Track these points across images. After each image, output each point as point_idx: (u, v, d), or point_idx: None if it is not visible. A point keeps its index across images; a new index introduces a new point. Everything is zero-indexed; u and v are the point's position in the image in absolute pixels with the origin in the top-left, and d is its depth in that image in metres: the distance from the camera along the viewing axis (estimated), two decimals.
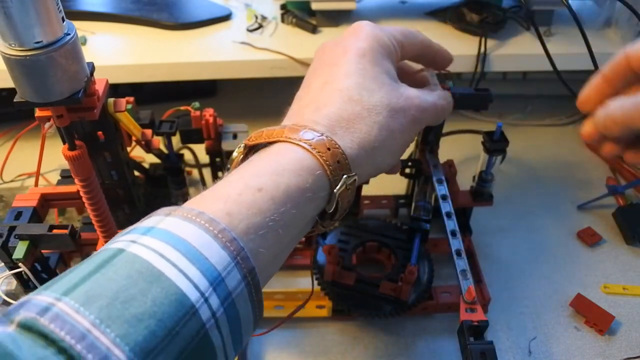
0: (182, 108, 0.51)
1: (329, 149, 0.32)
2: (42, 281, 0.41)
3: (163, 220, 0.27)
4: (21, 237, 0.39)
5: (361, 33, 0.38)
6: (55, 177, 0.52)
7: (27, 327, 0.22)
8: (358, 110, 0.34)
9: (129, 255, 0.25)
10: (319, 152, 0.31)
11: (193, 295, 0.24)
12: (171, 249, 0.25)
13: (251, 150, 0.34)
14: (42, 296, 0.23)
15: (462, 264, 0.41)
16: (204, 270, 0.25)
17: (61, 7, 0.29)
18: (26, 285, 0.42)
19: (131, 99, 0.45)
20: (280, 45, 0.62)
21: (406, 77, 0.42)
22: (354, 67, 0.36)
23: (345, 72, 0.36)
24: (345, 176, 0.32)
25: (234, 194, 0.29)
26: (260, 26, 0.66)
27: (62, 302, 0.22)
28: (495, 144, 0.48)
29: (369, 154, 0.34)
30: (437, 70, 0.44)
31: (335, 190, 0.32)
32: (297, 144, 0.32)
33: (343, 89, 0.35)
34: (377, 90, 0.36)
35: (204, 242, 0.26)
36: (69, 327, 0.22)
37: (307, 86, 0.38)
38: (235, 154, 0.35)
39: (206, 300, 0.25)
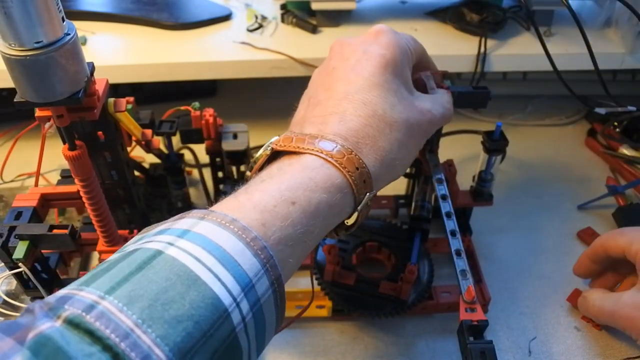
0: (182, 108, 0.51)
1: (357, 168, 0.33)
2: (42, 281, 0.41)
3: (198, 224, 0.28)
4: (21, 237, 0.39)
5: (384, 39, 0.38)
6: (55, 177, 0.52)
7: (74, 324, 0.22)
8: (382, 127, 0.35)
9: (168, 258, 0.26)
10: (348, 172, 0.32)
11: (227, 299, 0.25)
12: (207, 253, 0.26)
13: (277, 154, 0.35)
14: (86, 293, 0.24)
15: (462, 263, 0.41)
16: (237, 276, 0.26)
17: (61, 7, 0.29)
18: (26, 285, 0.42)
19: (131, 99, 0.45)
20: (280, 45, 0.62)
21: None
22: (377, 78, 0.36)
23: (369, 83, 0.36)
24: (368, 194, 0.34)
25: (270, 205, 0.30)
26: (260, 26, 0.66)
27: (107, 301, 0.23)
28: (495, 143, 0.48)
29: (389, 170, 0.36)
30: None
31: (359, 208, 0.34)
32: (329, 162, 0.32)
33: (368, 102, 0.35)
34: (398, 104, 0.36)
35: (238, 249, 0.27)
36: (114, 325, 0.22)
37: (328, 89, 0.37)
38: (260, 154, 0.35)
39: (237, 305, 0.26)
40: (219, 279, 0.25)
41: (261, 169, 0.35)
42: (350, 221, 0.34)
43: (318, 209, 0.31)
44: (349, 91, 0.36)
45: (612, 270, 0.48)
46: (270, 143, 0.35)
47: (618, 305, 0.43)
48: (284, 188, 0.31)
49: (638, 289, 0.42)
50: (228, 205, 0.30)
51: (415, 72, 0.43)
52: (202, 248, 0.26)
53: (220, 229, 0.27)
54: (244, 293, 0.26)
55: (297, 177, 0.32)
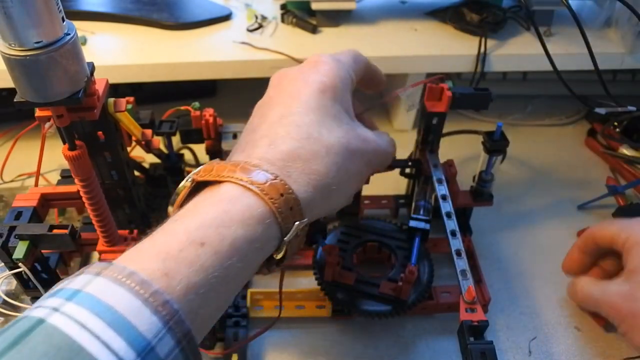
0: (182, 108, 0.51)
1: (282, 194, 0.30)
2: (42, 281, 0.41)
3: (91, 281, 0.25)
4: (21, 237, 0.39)
5: (323, 67, 0.37)
6: (55, 177, 0.52)
7: None
8: (317, 149, 0.32)
9: (49, 328, 0.23)
10: (271, 199, 0.29)
11: None
12: (95, 318, 0.23)
13: (200, 185, 0.32)
14: None
15: (462, 264, 0.41)
16: (132, 340, 0.23)
17: (61, 7, 0.29)
18: (26, 285, 0.42)
19: (131, 99, 0.45)
20: (280, 45, 0.62)
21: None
22: (314, 103, 0.34)
23: (305, 107, 0.34)
24: (297, 223, 0.30)
25: (175, 250, 0.27)
26: (260, 26, 0.66)
27: None
28: (495, 144, 0.48)
29: (324, 196, 0.33)
30: (372, 91, 0.43)
31: (285, 239, 0.30)
32: (249, 189, 0.29)
33: (302, 124, 0.33)
34: (337, 128, 0.34)
35: (133, 307, 0.24)
36: None
37: (262, 115, 0.35)
38: (181, 186, 0.32)
39: None
40: (108, 347, 0.22)
41: (184, 203, 0.32)
42: (278, 255, 0.31)
43: (233, 247, 0.28)
44: (284, 114, 0.34)
45: (601, 263, 0.48)
46: (193, 173, 0.32)
47: (605, 293, 0.43)
48: (194, 227, 0.28)
49: (625, 278, 0.42)
50: (130, 255, 0.27)
51: (362, 84, 0.42)
52: (90, 312, 0.23)
53: (116, 285, 0.24)
54: (141, 358, 0.23)
55: (210, 212, 0.29)
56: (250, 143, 0.33)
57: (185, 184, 0.32)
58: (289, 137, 0.32)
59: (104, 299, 0.24)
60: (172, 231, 0.28)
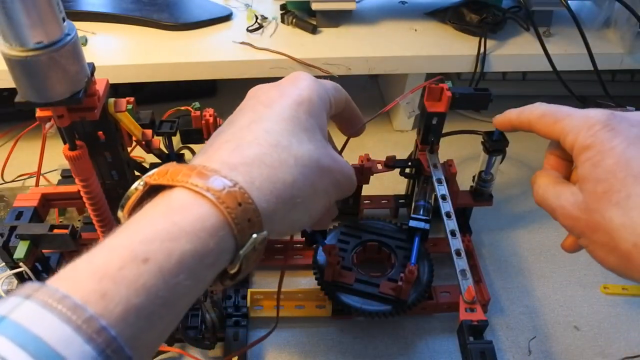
0: (182, 108, 0.51)
1: (240, 204, 0.27)
2: (43, 281, 0.41)
3: (19, 306, 0.22)
4: (22, 237, 0.39)
5: (301, 82, 0.35)
6: (55, 177, 0.52)
7: None
8: (285, 157, 0.30)
9: None
10: (227, 208, 0.26)
11: None
12: (18, 350, 0.20)
13: (154, 189, 0.29)
14: None
15: (461, 263, 0.41)
16: None
17: (62, 8, 0.30)
18: None
19: (131, 99, 0.45)
20: (280, 45, 0.62)
21: None
22: (288, 113, 0.32)
23: (277, 116, 0.32)
24: (254, 235, 0.28)
25: (114, 268, 0.24)
26: (260, 26, 0.66)
27: None
28: (495, 144, 0.48)
29: (288, 209, 0.30)
30: (349, 135, 0.42)
31: (241, 252, 0.27)
32: (204, 196, 0.26)
33: (271, 131, 0.31)
34: (307, 142, 0.32)
35: (63, 336, 0.21)
36: None
37: (231, 122, 0.33)
38: (132, 189, 0.29)
39: None
40: None
41: (136, 208, 0.28)
42: (232, 269, 0.28)
43: (181, 264, 0.25)
44: (254, 120, 0.32)
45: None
46: (146, 176, 0.29)
47: (559, 202, 0.37)
48: (137, 241, 0.25)
49: (579, 187, 0.36)
50: (65, 274, 0.24)
51: (340, 121, 0.40)
52: (13, 342, 0.20)
53: (45, 311, 0.22)
54: None
55: (157, 223, 0.25)
56: (214, 146, 0.31)
57: (137, 187, 0.29)
58: (255, 143, 0.30)
59: (31, 327, 0.21)
60: (112, 246, 0.25)
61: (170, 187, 0.28)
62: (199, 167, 0.28)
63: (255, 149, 0.30)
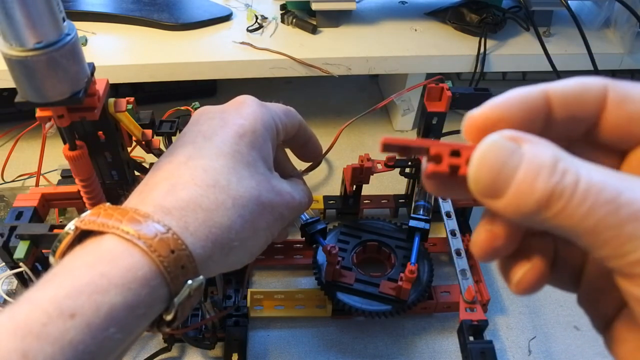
0: (182, 108, 0.51)
1: (172, 251, 0.26)
2: None
3: None
4: (22, 237, 0.39)
5: (245, 110, 0.34)
6: (55, 177, 0.52)
7: None
8: (222, 199, 0.29)
9: None
10: (159, 256, 0.26)
11: None
12: None
13: (84, 234, 0.27)
14: None
15: (462, 263, 0.42)
16: None
17: (62, 7, 0.30)
18: (27, 285, 0.42)
19: (131, 99, 0.45)
20: (280, 45, 0.62)
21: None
22: (228, 147, 0.31)
23: (217, 151, 0.31)
24: (189, 282, 0.27)
25: (38, 325, 0.22)
26: (261, 26, 0.66)
27: None
28: None
29: (225, 253, 0.29)
30: (307, 160, 0.41)
31: (175, 300, 0.27)
32: (135, 244, 0.26)
33: (210, 169, 0.30)
34: (248, 178, 0.31)
35: None
36: None
37: (171, 154, 0.32)
38: (64, 234, 0.28)
39: None
40: None
41: (67, 252, 0.27)
42: (168, 316, 0.27)
43: (111, 317, 0.24)
44: (192, 156, 0.31)
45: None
46: (77, 219, 0.28)
47: None
48: (63, 295, 0.23)
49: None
50: None
51: (294, 147, 0.39)
52: None
53: None
54: None
55: (85, 275, 0.24)
56: (150, 185, 0.30)
57: (67, 231, 0.28)
58: (192, 183, 0.29)
59: None
60: (37, 300, 0.23)
61: (100, 233, 0.26)
62: (131, 212, 0.27)
63: (191, 190, 0.29)
